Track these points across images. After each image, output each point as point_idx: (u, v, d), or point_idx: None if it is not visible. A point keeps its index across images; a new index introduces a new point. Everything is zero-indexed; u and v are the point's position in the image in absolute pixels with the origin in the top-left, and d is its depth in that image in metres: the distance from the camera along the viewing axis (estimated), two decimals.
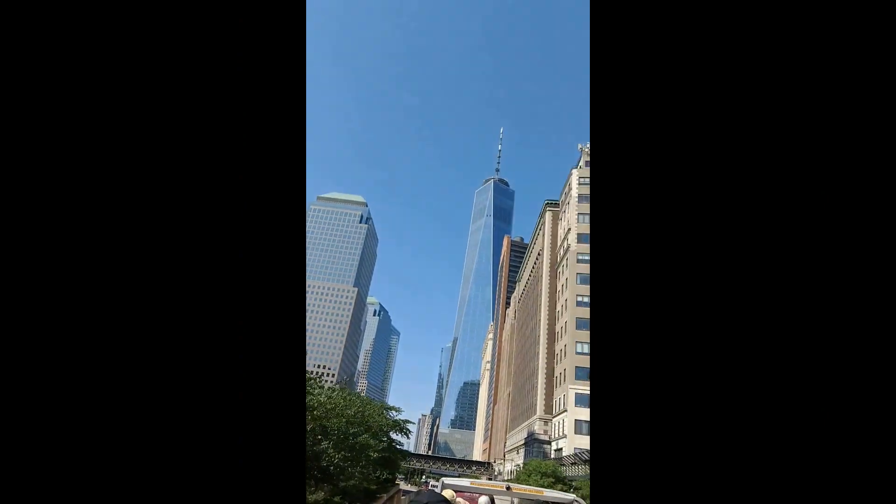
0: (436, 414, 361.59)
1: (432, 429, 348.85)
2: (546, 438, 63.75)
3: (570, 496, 6.31)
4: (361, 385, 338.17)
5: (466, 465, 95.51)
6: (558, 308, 63.47)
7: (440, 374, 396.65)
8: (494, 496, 6.29)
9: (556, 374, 60.95)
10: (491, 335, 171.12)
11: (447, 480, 6.30)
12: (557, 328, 62.49)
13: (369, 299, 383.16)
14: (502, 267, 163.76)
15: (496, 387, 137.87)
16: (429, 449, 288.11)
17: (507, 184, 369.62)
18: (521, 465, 65.42)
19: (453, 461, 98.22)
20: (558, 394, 57.97)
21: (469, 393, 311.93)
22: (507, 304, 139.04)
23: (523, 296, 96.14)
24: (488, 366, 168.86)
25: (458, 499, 5.15)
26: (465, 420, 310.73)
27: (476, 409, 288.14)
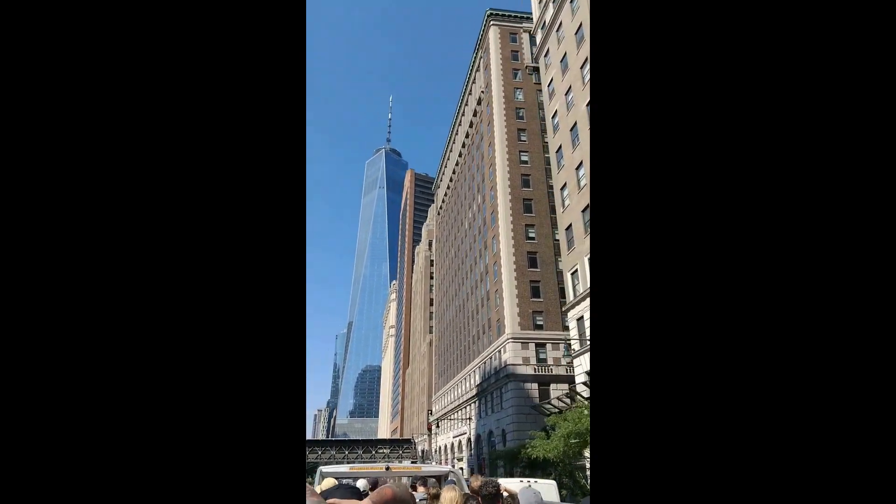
0: (332, 406, 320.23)
1: (329, 422, 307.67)
2: (530, 372, 33.68)
3: (447, 468, 6.39)
4: None
5: (375, 447, 62.66)
6: (552, 129, 33.27)
7: (335, 364, 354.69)
8: (378, 478, 6.23)
9: (563, 241, 30.81)
10: (394, 296, 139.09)
11: (325, 469, 5.44)
12: (551, 171, 32.53)
13: None
14: (406, 206, 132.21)
15: (405, 346, 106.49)
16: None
17: (399, 154, 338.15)
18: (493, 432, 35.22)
19: (358, 444, 64.93)
20: (570, 264, 27.82)
21: (369, 378, 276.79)
22: (415, 242, 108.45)
23: (448, 195, 65.64)
24: (392, 332, 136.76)
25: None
26: (365, 408, 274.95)
27: (378, 393, 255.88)
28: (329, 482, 4.51)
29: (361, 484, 5.70)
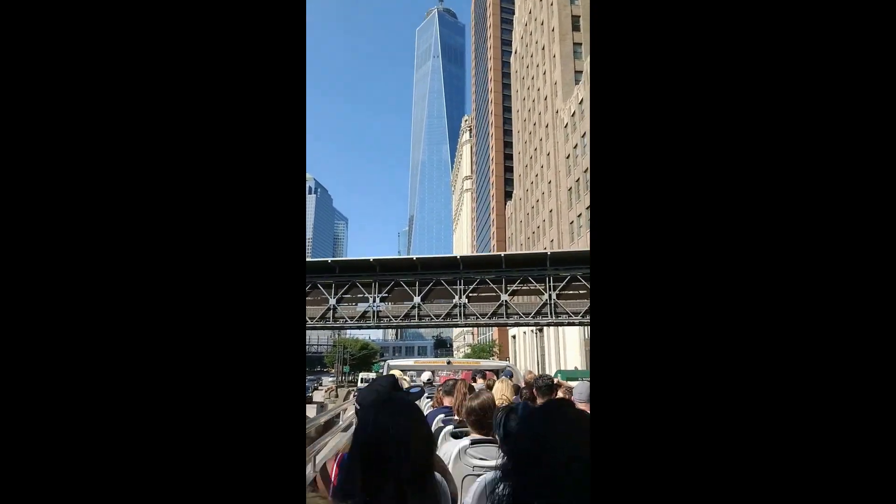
0: None
1: None
2: None
3: (504, 363, 7.18)
4: None
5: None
6: None
7: None
8: (436, 371, 7.10)
9: None
10: (467, 136, 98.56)
11: (392, 362, 7.07)
12: None
13: None
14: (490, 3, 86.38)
15: (497, 180, 67.66)
16: (396, 338, 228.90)
17: (454, 15, 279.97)
18: None
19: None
20: None
21: None
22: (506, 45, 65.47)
23: None
24: (468, 184, 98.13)
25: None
26: None
27: None
28: (395, 372, 5.12)
29: (424, 376, 6.84)
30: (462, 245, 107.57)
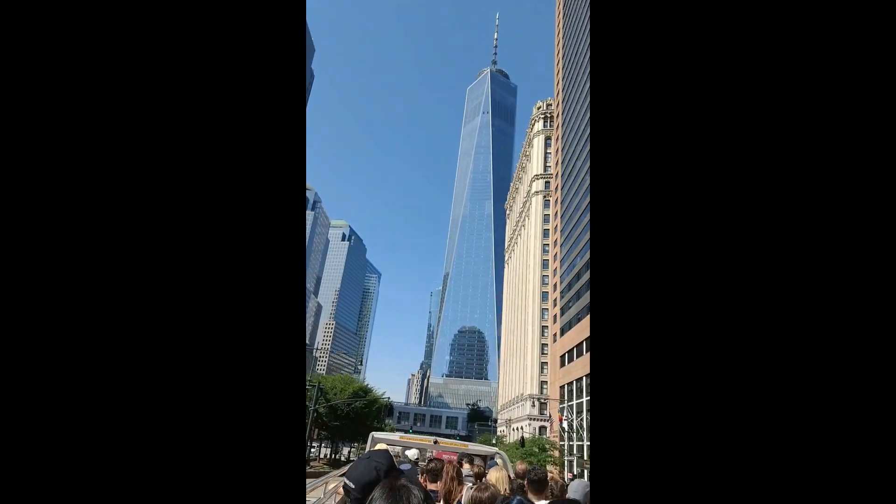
0: (425, 367, 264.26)
1: (423, 384, 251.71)
2: None
3: (493, 448, 6.61)
4: (328, 325, 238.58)
5: None
6: None
7: (430, 324, 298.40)
8: (423, 449, 6.80)
9: None
10: (540, 124, 71.88)
11: (377, 435, 6.31)
12: None
13: (337, 222, 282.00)
14: None
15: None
16: (420, 403, 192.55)
17: (506, 76, 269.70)
18: None
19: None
20: None
21: (467, 341, 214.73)
22: None
23: None
24: (538, 184, 69.53)
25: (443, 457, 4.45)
26: (463, 367, 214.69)
27: (481, 353, 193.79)
28: (381, 447, 4.86)
29: (412, 454, 6.13)
30: (524, 271, 76.83)
